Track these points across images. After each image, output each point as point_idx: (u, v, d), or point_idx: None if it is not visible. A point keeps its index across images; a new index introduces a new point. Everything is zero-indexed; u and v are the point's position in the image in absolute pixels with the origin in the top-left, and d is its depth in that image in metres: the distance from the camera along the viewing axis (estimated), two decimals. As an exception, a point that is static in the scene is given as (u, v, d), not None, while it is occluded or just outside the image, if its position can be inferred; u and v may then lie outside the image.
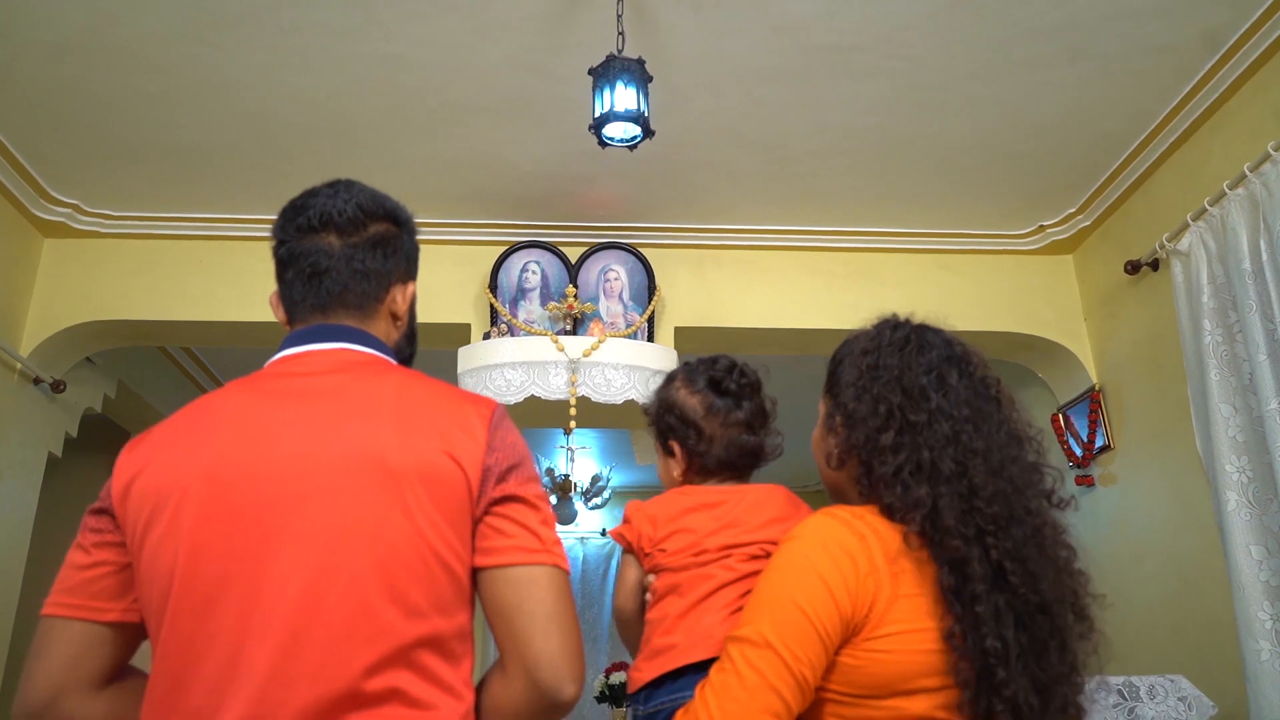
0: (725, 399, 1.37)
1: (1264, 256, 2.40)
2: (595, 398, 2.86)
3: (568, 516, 5.13)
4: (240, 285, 3.26)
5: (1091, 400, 3.31)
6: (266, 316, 3.22)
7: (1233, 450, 2.51)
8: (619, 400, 2.86)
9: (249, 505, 0.93)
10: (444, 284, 3.30)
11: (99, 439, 3.82)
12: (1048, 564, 1.00)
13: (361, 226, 1.11)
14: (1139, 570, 3.06)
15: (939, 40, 2.43)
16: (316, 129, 2.78)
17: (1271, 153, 2.39)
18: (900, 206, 3.25)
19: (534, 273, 3.23)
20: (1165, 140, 2.83)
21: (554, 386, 2.85)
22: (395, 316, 1.13)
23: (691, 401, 1.38)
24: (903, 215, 3.31)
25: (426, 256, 3.26)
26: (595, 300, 3.22)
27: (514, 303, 3.21)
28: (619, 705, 3.93)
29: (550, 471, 5.11)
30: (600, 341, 2.92)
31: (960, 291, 3.42)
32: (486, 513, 0.98)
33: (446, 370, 3.05)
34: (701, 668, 1.14)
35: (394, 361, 1.11)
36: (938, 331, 1.17)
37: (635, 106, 1.95)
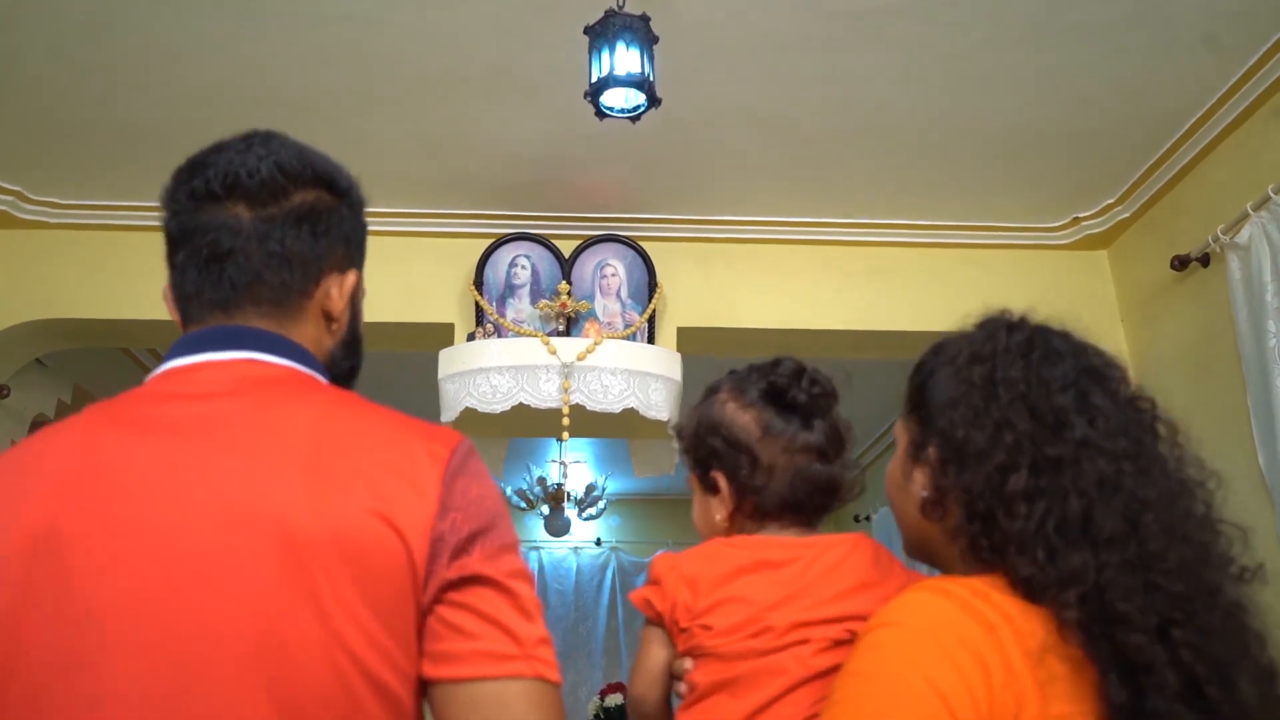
0: (790, 416, 1.05)
1: (1346, 249, 2.13)
2: (591, 405, 2.58)
3: (560, 529, 4.84)
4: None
5: (1131, 408, 3.04)
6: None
7: (1308, 467, 2.24)
8: (617, 408, 2.58)
9: (82, 591, 0.64)
10: (424, 280, 3.01)
11: (52, 448, 3.52)
12: (1249, 667, 0.71)
13: (282, 194, 0.82)
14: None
15: (982, 1, 2.15)
16: (277, 105, 2.48)
17: (1355, 132, 2.12)
18: (925, 196, 2.97)
19: (523, 267, 2.95)
20: (1223, 120, 2.56)
21: (545, 393, 2.56)
22: (329, 317, 0.85)
23: (743, 419, 1.05)
24: (928, 206, 3.03)
25: (404, 250, 2.97)
26: (591, 298, 2.93)
27: (501, 300, 2.92)
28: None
29: (542, 480, 4.83)
30: (597, 343, 2.63)
31: (986, 289, 3.14)
32: (439, 600, 0.70)
33: (427, 376, 2.76)
34: None
35: (322, 379, 0.82)
36: (1064, 334, 0.87)
37: (639, 70, 1.67)
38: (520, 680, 0.68)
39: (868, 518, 5.61)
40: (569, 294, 2.86)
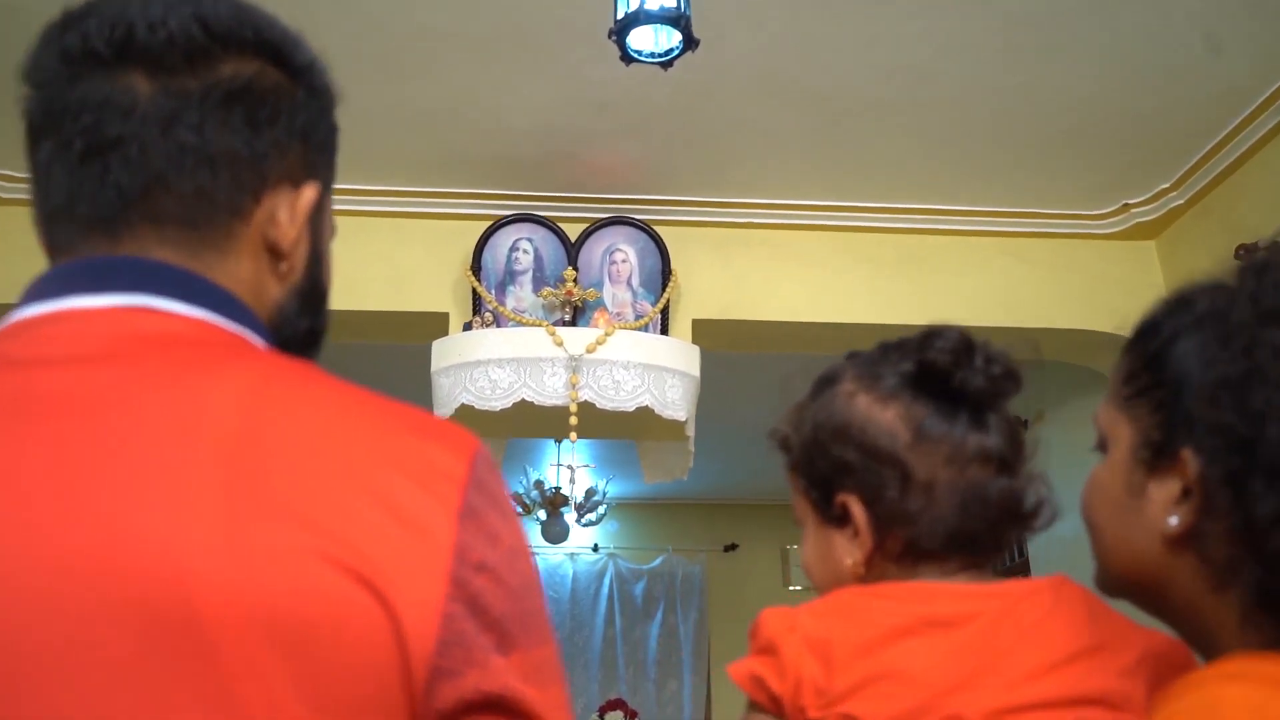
0: (955, 410, 0.74)
1: None
2: (601, 403, 2.32)
3: (558, 534, 4.59)
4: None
5: (1183, 411, 2.81)
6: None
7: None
8: (630, 406, 2.32)
9: None
10: (416, 266, 2.76)
11: None
12: None
13: (202, 60, 0.54)
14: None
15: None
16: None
17: None
18: (965, 179, 2.73)
19: (525, 252, 2.69)
20: (1301, 96, 2.33)
21: (550, 389, 2.31)
22: (275, 252, 0.57)
23: (885, 417, 0.75)
24: (966, 190, 2.79)
25: (394, 233, 2.69)
26: (599, 286, 2.67)
27: (501, 288, 2.66)
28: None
29: (539, 484, 4.56)
30: (608, 334, 2.38)
31: (1026, 282, 2.91)
32: None
33: (419, 371, 2.50)
34: None
35: (258, 342, 0.55)
36: None
37: (674, 3, 1.41)
38: None
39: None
40: (575, 281, 2.61)
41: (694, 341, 2.69)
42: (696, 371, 2.46)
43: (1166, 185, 2.77)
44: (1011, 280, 2.90)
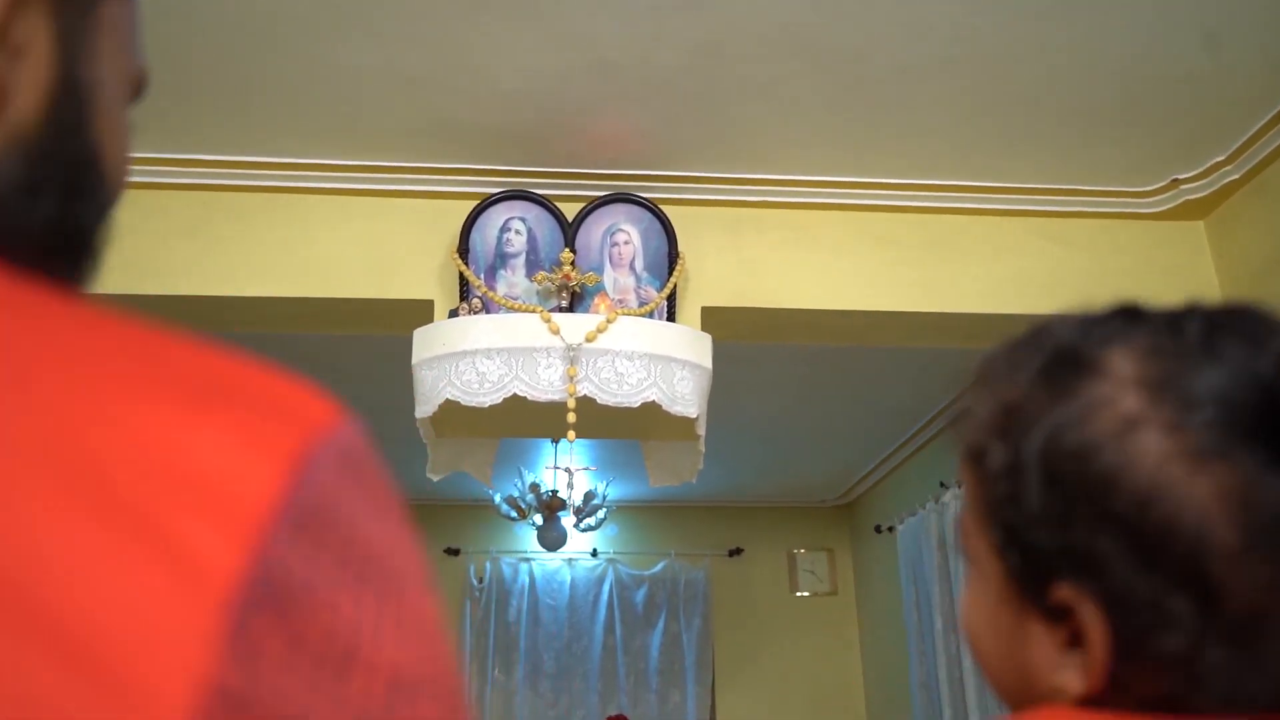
0: None
1: None
2: (602, 398, 2.08)
3: (555, 542, 4.33)
4: (123, 250, 2.45)
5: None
6: (176, 288, 2.43)
7: None
8: (635, 402, 2.08)
9: None
10: (397, 248, 2.51)
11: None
12: None
13: None
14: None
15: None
16: (218, 27, 1.97)
17: None
18: (999, 152, 2.49)
19: (518, 233, 2.44)
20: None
21: (545, 382, 2.06)
22: None
23: (1198, 492, 0.41)
24: (1000, 165, 2.55)
25: (374, 211, 2.44)
26: (599, 269, 2.43)
27: (491, 272, 2.42)
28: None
29: (535, 487, 4.31)
30: (610, 320, 2.13)
31: (1064, 267, 2.67)
32: None
33: (403, 365, 2.25)
34: None
35: None
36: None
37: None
38: None
39: (890, 529, 5.14)
40: (573, 264, 2.36)
41: (702, 330, 2.45)
42: (709, 362, 2.22)
43: (1221, 158, 2.53)
44: (1048, 265, 2.66)
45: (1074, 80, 2.21)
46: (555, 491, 4.23)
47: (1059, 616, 0.45)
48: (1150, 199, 2.67)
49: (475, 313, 2.25)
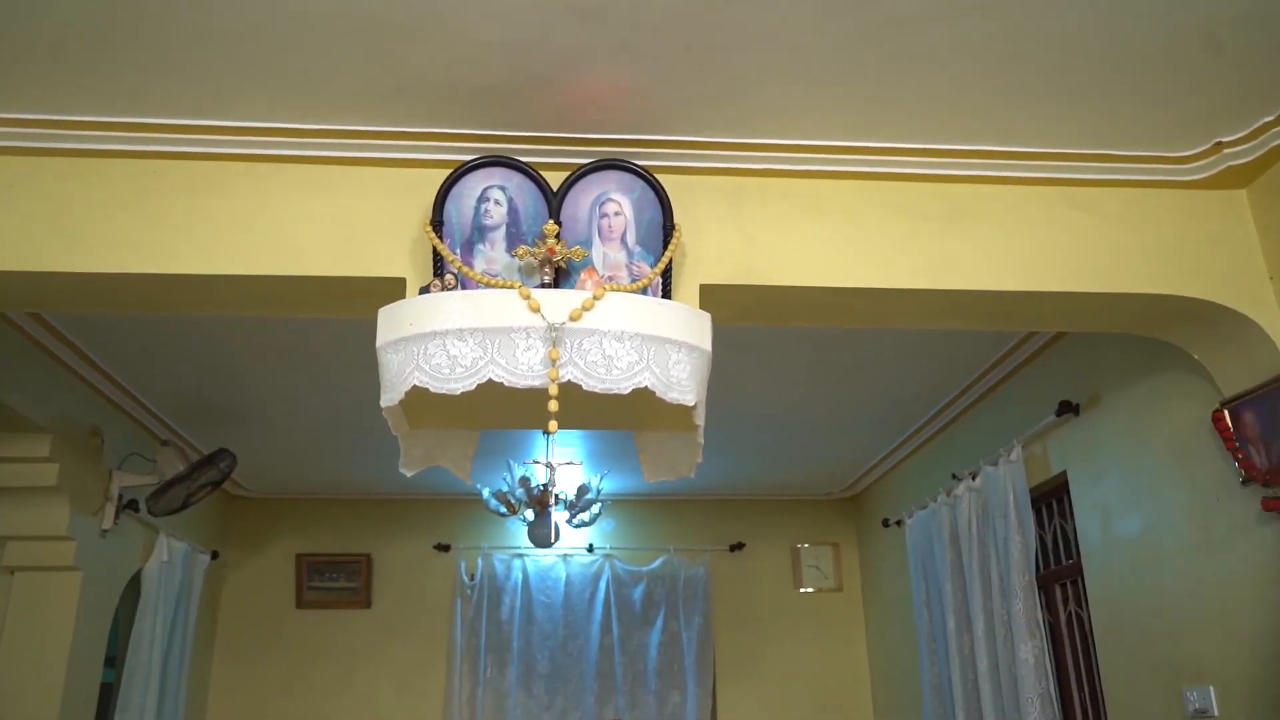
0: None
1: None
2: (589, 384, 1.85)
3: (545, 538, 4.12)
4: (60, 223, 2.23)
5: (1286, 391, 2.35)
6: (119, 265, 2.21)
7: None
8: (625, 388, 1.86)
9: None
10: (367, 221, 2.29)
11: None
12: None
13: None
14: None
15: None
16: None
17: None
18: (1025, 113, 2.26)
19: (497, 203, 2.22)
20: None
21: (524, 365, 1.83)
22: None
23: None
24: (1026, 127, 2.32)
25: (339, 181, 2.03)
26: (587, 243, 2.20)
27: (468, 246, 2.19)
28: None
29: (525, 481, 4.10)
30: (596, 296, 1.90)
31: (1096, 239, 2.44)
32: None
33: (372, 347, 2.03)
34: None
35: None
36: None
37: None
38: None
39: (899, 522, 4.93)
40: (558, 238, 2.13)
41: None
42: (708, 344, 1.99)
43: (1270, 118, 2.30)
44: (1079, 237, 2.44)
45: (1107, 32, 1.98)
46: (546, 485, 4.02)
47: None
48: (1189, 165, 2.44)
49: (449, 290, 2.03)
